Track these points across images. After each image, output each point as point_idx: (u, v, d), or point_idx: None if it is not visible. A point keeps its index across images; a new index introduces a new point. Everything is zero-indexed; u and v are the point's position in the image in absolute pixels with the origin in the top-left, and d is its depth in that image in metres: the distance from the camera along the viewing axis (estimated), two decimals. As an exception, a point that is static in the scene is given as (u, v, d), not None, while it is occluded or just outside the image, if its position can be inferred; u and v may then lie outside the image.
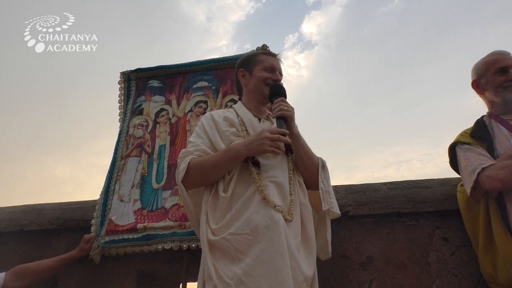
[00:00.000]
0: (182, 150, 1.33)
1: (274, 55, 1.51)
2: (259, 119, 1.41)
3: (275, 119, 1.28)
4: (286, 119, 1.25)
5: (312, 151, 1.36)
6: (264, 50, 1.52)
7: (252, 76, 1.45)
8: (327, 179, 1.32)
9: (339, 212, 1.29)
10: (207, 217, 1.20)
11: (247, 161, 1.24)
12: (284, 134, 1.18)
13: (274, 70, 1.44)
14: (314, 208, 1.32)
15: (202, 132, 1.36)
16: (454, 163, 1.54)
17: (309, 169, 1.32)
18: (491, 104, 1.56)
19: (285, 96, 1.36)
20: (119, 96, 2.39)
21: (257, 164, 1.24)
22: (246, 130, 1.34)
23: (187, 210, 1.31)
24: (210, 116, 1.41)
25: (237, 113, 1.42)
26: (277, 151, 1.16)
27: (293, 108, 1.30)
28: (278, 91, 1.36)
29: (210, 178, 1.24)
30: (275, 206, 1.14)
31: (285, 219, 1.13)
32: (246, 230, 1.10)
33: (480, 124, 1.53)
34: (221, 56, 2.32)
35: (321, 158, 1.36)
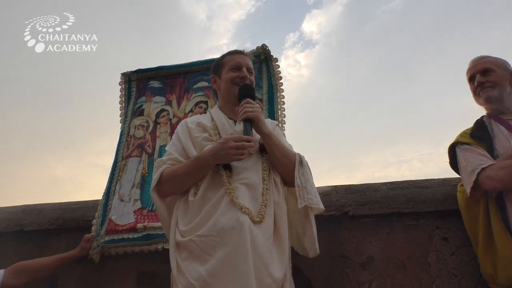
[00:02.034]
0: (157, 160, 1.37)
1: (239, 52, 1.50)
2: (235, 121, 1.39)
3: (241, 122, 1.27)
4: (252, 121, 1.24)
5: (287, 147, 1.34)
6: (230, 51, 1.52)
7: (221, 80, 1.46)
8: (304, 174, 1.28)
9: (321, 206, 1.25)
10: (177, 221, 1.23)
11: (218, 164, 1.24)
12: (248, 141, 1.18)
13: (240, 68, 1.43)
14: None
15: (176, 140, 1.39)
16: (454, 163, 1.54)
17: (285, 167, 1.29)
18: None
19: (252, 95, 1.35)
20: (120, 97, 2.40)
21: (228, 167, 1.24)
22: (219, 134, 1.34)
23: (160, 217, 1.35)
24: (184, 123, 1.44)
25: (212, 117, 1.43)
26: (242, 158, 1.17)
27: (258, 108, 1.29)
28: (245, 92, 1.35)
29: (182, 186, 1.27)
30: (242, 208, 1.13)
31: (253, 221, 1.13)
32: (212, 232, 1.11)
33: (480, 124, 1.54)
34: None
35: (298, 154, 1.33)
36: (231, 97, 1.41)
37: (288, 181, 1.32)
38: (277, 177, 1.31)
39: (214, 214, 1.14)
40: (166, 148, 1.41)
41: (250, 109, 1.24)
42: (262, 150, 1.32)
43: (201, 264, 1.09)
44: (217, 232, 1.10)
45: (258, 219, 1.14)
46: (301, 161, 1.31)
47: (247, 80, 1.41)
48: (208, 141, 1.32)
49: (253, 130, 1.26)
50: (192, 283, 1.05)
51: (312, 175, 1.32)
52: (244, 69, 1.42)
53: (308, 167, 1.33)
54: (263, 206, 1.18)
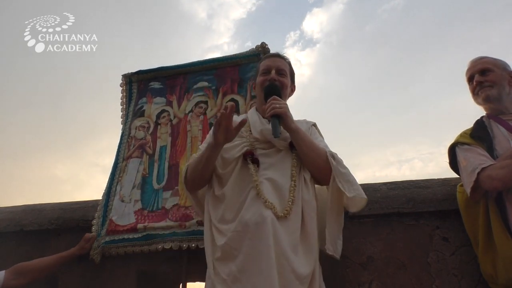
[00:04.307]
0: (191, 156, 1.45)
1: (271, 56, 1.54)
2: (269, 121, 1.40)
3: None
4: (280, 117, 1.26)
5: (316, 144, 1.32)
6: (265, 55, 1.57)
7: (256, 84, 1.52)
8: (341, 169, 1.25)
9: (365, 196, 1.23)
10: (210, 216, 1.27)
11: (246, 159, 1.27)
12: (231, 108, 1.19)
13: (269, 71, 1.45)
14: (335, 201, 1.28)
15: (209, 136, 1.44)
16: (454, 163, 1.54)
17: (314, 163, 1.28)
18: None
19: (278, 93, 1.37)
20: (121, 99, 2.40)
21: (256, 162, 1.27)
22: (250, 131, 1.39)
23: (195, 210, 1.46)
24: None
25: (247, 116, 1.47)
26: (218, 117, 1.19)
27: (285, 104, 1.31)
28: (270, 91, 1.38)
29: (199, 173, 1.31)
30: (266, 202, 1.15)
31: (277, 216, 1.13)
32: (239, 227, 1.14)
33: (480, 124, 1.54)
34: (222, 54, 2.33)
35: (329, 150, 1.30)
36: (262, 99, 1.44)
37: (318, 178, 1.31)
38: (307, 174, 1.30)
39: (241, 209, 1.18)
40: (200, 146, 1.50)
41: (277, 105, 1.27)
42: (292, 146, 1.32)
43: (231, 261, 1.12)
44: (242, 227, 1.14)
45: (282, 214, 1.15)
46: (334, 157, 1.28)
47: (276, 82, 1.43)
48: (239, 136, 1.35)
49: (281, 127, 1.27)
50: (224, 278, 1.10)
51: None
52: (273, 71, 1.45)
53: (343, 162, 1.29)
54: (289, 203, 1.18)
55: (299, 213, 1.20)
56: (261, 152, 1.32)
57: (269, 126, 1.29)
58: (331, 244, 1.26)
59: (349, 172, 1.27)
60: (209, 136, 1.42)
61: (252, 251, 1.08)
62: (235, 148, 1.33)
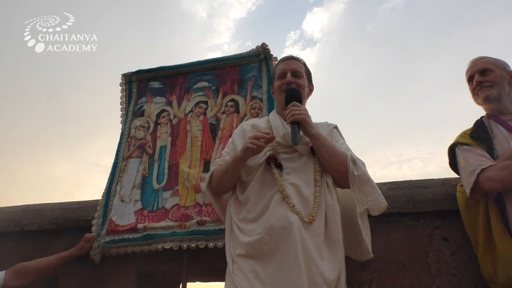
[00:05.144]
0: (215, 161, 1.50)
1: (286, 59, 1.55)
2: None
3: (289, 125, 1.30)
4: (299, 123, 1.27)
5: (337, 148, 1.32)
6: (279, 59, 1.61)
7: (274, 88, 1.54)
8: (360, 176, 1.25)
9: (384, 203, 1.22)
10: (232, 217, 1.30)
11: (270, 163, 1.28)
12: (266, 136, 1.23)
13: (285, 74, 1.47)
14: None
15: (231, 142, 1.49)
16: (454, 164, 1.54)
17: (335, 168, 1.28)
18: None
19: (298, 98, 1.39)
20: (120, 98, 2.40)
21: (279, 166, 1.28)
22: (272, 133, 1.38)
23: (218, 213, 1.54)
24: (240, 126, 1.57)
25: (268, 119, 1.49)
26: (250, 146, 1.21)
27: (305, 110, 1.32)
28: (291, 97, 1.39)
29: (225, 182, 1.34)
30: (293, 206, 1.16)
31: (303, 221, 1.14)
32: (264, 230, 1.15)
33: (480, 124, 1.54)
34: (222, 54, 2.33)
35: (351, 154, 1.30)
36: (281, 104, 1.47)
37: (340, 182, 1.32)
38: (329, 178, 1.31)
39: (265, 212, 1.19)
40: (222, 151, 1.53)
41: (297, 112, 1.28)
42: (314, 151, 1.33)
43: (256, 260, 1.14)
44: (267, 230, 1.14)
45: (308, 220, 1.15)
46: (354, 161, 1.27)
47: (292, 84, 1.44)
48: None
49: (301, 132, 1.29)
50: (247, 274, 1.11)
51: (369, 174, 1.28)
52: (289, 74, 1.46)
53: (364, 166, 1.29)
54: (315, 208, 1.19)
55: (323, 218, 1.20)
56: (284, 157, 1.32)
57: (290, 130, 1.30)
58: (369, 246, 1.30)
59: (367, 177, 1.25)
60: (231, 144, 1.46)
61: (280, 256, 1.09)
62: (258, 154, 1.33)
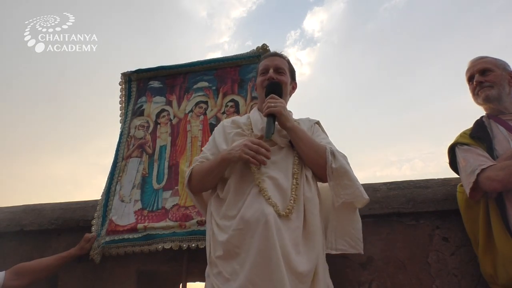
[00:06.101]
0: (193, 158, 1.45)
1: (270, 55, 1.55)
2: None
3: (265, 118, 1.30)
4: (275, 116, 1.27)
5: (316, 142, 1.31)
6: (263, 56, 1.59)
7: (257, 85, 1.54)
8: (336, 170, 1.23)
9: (363, 196, 1.21)
10: (212, 215, 1.28)
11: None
12: (267, 149, 1.21)
13: (267, 70, 1.46)
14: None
15: (211, 139, 1.47)
16: (454, 164, 1.54)
17: (314, 161, 1.27)
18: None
19: (279, 91, 1.38)
20: (120, 97, 2.39)
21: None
22: (252, 129, 1.40)
23: (198, 209, 1.51)
24: (221, 123, 1.55)
25: (249, 116, 1.49)
26: (252, 161, 1.18)
27: (282, 103, 1.31)
28: (271, 90, 1.39)
29: (207, 181, 1.32)
30: (269, 199, 1.15)
31: (279, 215, 1.13)
32: (240, 225, 1.14)
33: (480, 124, 1.54)
34: (222, 54, 2.34)
35: (330, 147, 1.28)
36: (262, 98, 1.45)
37: (320, 176, 1.30)
38: (309, 172, 1.30)
39: (242, 206, 1.17)
40: (202, 148, 1.51)
41: (272, 104, 1.27)
42: (293, 144, 1.32)
43: (234, 259, 1.12)
44: (244, 225, 1.13)
45: (284, 213, 1.14)
46: (334, 154, 1.25)
47: (274, 80, 1.43)
48: (240, 135, 1.37)
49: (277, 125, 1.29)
50: (227, 277, 1.09)
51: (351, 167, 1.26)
52: (271, 70, 1.45)
53: (345, 159, 1.27)
54: (291, 201, 1.18)
55: (301, 211, 1.19)
56: None
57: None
58: (345, 241, 1.25)
59: (346, 170, 1.22)
60: (212, 142, 1.44)
61: (256, 249, 1.07)
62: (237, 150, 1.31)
